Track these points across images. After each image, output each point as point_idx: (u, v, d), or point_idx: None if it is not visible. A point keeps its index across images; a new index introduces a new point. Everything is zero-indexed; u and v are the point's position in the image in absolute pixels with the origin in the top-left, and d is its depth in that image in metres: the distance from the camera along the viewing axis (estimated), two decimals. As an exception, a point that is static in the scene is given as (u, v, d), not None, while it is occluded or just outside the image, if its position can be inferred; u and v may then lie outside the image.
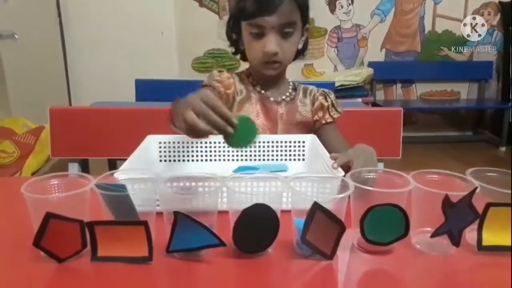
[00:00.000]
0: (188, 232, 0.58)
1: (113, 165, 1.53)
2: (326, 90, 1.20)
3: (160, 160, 1.03)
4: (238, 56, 1.18)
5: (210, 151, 1.04)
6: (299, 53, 1.14)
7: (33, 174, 1.88)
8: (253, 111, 1.13)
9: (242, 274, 0.60)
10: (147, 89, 1.97)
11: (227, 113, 0.69)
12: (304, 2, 1.04)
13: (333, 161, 0.78)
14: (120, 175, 0.67)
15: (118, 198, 0.60)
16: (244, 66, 1.23)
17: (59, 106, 1.44)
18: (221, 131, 0.70)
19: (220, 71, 1.14)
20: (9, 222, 0.74)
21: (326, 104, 1.16)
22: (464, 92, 4.06)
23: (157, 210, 0.64)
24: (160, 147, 1.03)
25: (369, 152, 0.89)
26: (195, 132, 0.70)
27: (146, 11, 3.46)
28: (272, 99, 1.14)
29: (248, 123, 0.74)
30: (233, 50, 1.17)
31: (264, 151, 1.04)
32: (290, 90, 1.17)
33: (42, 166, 1.94)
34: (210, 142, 1.03)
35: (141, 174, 0.69)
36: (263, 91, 1.14)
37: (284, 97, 1.15)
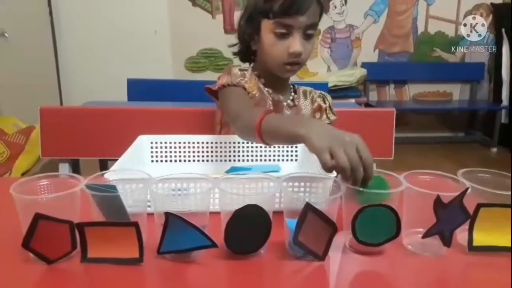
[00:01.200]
0: (179, 233, 0.58)
1: (104, 165, 1.52)
2: (323, 93, 1.20)
3: (152, 161, 1.02)
4: (237, 57, 1.16)
5: (203, 151, 1.03)
6: None
7: (23, 174, 1.87)
8: (267, 107, 1.11)
9: (234, 275, 0.60)
10: (139, 89, 1.96)
11: (372, 174, 0.62)
12: (323, 4, 1.05)
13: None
14: (111, 175, 0.67)
15: (108, 198, 0.59)
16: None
17: (50, 105, 1.42)
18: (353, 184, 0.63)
19: (241, 70, 1.09)
20: (-3, 223, 0.73)
21: (324, 106, 1.17)
22: (456, 93, 4.09)
23: (148, 211, 0.64)
24: (151, 148, 1.02)
25: None
26: (331, 170, 0.63)
27: (139, 10, 3.44)
28: (283, 103, 1.14)
29: (381, 183, 0.65)
30: (237, 49, 1.14)
31: (256, 151, 1.04)
32: (292, 93, 1.17)
33: (33, 166, 1.93)
34: (203, 143, 1.03)
35: (132, 174, 0.69)
36: (273, 94, 1.13)
37: (288, 100, 1.15)
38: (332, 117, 1.17)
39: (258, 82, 1.12)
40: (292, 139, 0.70)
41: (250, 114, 0.85)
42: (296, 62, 1.04)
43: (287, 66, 1.04)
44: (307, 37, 1.02)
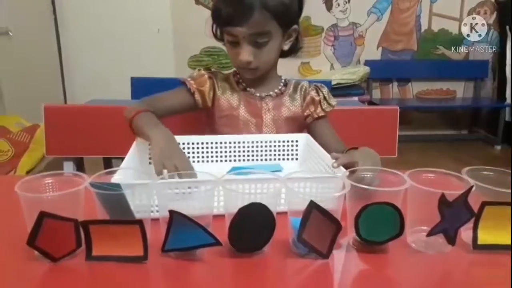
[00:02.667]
0: (183, 231, 0.58)
1: (108, 163, 1.52)
2: (318, 84, 1.18)
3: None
4: None
5: (203, 152, 1.03)
6: (289, 53, 1.13)
7: (27, 172, 1.87)
8: (233, 100, 1.13)
9: (238, 273, 0.60)
10: (143, 87, 1.95)
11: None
12: (279, 10, 0.99)
13: (334, 161, 0.78)
14: (117, 176, 0.67)
15: (113, 197, 0.59)
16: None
17: (54, 104, 1.43)
18: None
19: (204, 69, 1.15)
20: (2, 221, 0.74)
21: (317, 98, 1.14)
22: (460, 91, 4.07)
23: (152, 210, 0.64)
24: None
25: (375, 156, 0.87)
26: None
27: (141, 8, 3.44)
28: (256, 94, 1.14)
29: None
30: None
31: (257, 151, 1.03)
32: (280, 87, 1.16)
33: (37, 165, 1.93)
34: (203, 143, 1.02)
35: (137, 176, 0.68)
36: (248, 88, 1.14)
37: (271, 92, 1.15)
38: (328, 108, 1.15)
39: (233, 79, 1.15)
40: (148, 138, 0.90)
41: (137, 107, 1.00)
42: (250, 68, 1.05)
43: (244, 69, 1.08)
44: (259, 45, 1.02)
